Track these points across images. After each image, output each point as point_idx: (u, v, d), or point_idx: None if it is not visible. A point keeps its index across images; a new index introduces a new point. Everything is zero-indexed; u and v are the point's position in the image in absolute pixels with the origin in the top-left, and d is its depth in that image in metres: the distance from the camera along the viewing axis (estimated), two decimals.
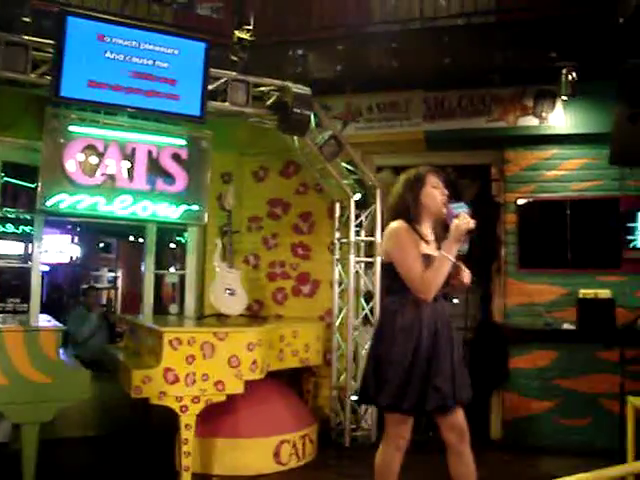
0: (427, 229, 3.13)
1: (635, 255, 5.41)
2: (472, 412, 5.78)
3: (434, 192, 3.08)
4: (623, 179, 5.48)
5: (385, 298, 3.20)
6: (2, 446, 4.86)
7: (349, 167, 5.50)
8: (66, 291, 11.61)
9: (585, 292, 5.42)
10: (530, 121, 5.52)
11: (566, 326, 5.44)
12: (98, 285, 12.15)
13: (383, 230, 5.67)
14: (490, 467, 4.96)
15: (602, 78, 4.74)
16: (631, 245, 5.41)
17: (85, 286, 9.59)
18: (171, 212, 5.01)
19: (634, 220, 5.41)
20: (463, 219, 2.88)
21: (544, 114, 5.49)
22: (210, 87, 4.70)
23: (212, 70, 4.70)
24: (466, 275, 3.08)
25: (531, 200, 5.66)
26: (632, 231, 5.42)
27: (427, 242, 3.07)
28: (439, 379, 2.93)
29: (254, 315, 5.94)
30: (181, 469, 4.22)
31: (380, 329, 3.10)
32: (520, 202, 5.67)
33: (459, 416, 3.08)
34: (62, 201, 4.70)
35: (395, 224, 3.06)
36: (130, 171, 4.87)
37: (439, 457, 3.15)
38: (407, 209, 3.07)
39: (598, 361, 5.35)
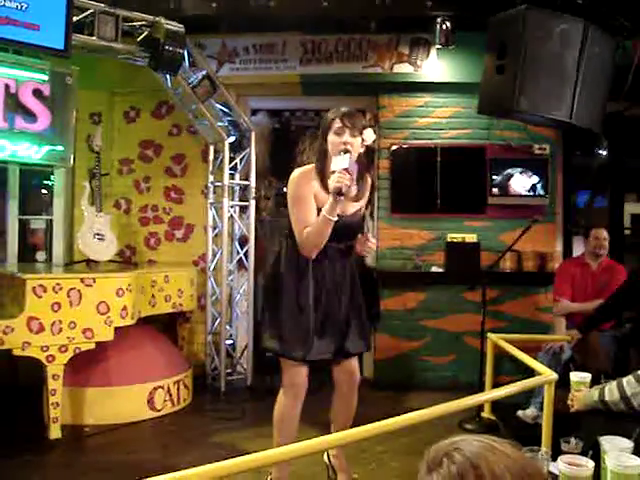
0: None
1: (498, 201, 5.69)
2: None
3: (335, 139, 2.87)
4: (490, 129, 5.71)
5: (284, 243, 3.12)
6: None
7: (223, 109, 5.36)
8: None
9: (453, 236, 5.67)
10: (405, 68, 5.58)
11: (434, 269, 5.67)
12: None
13: (257, 174, 5.66)
14: (364, 404, 5.15)
15: (476, 29, 4.84)
16: (495, 192, 5.68)
17: None
18: (33, 152, 4.70)
19: (498, 168, 5.68)
20: (337, 178, 2.71)
21: (419, 62, 5.57)
22: (75, 18, 4.37)
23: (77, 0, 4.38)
24: (370, 246, 3.04)
25: (404, 146, 5.79)
26: (495, 178, 5.69)
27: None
28: (327, 331, 3.01)
29: (126, 261, 5.77)
30: (50, 421, 4.09)
31: (272, 274, 3.10)
32: (393, 148, 5.77)
33: (351, 362, 3.20)
34: None
35: (295, 172, 2.97)
36: None
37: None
38: (317, 156, 2.97)
39: (463, 301, 5.65)
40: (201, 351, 5.78)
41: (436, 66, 5.55)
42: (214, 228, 5.71)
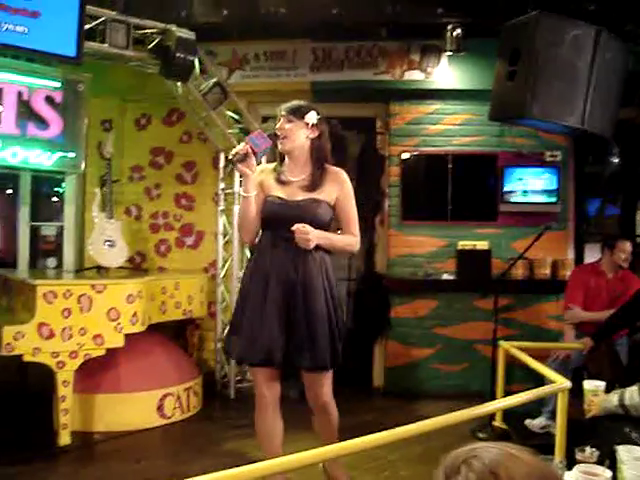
0: (297, 170, 2.97)
1: (510, 209, 5.67)
2: (356, 361, 6.00)
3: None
4: (502, 135, 5.69)
5: None
6: None
7: (234, 116, 5.36)
8: None
9: (464, 244, 5.64)
10: (416, 75, 5.57)
11: (445, 276, 5.64)
12: None
13: None
14: (374, 412, 5.16)
15: (487, 36, 4.84)
16: (506, 199, 5.66)
17: None
18: (45, 159, 4.71)
19: (509, 175, 5.65)
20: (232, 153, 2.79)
21: (429, 69, 5.56)
22: (87, 26, 4.40)
23: (89, 8, 4.39)
24: (300, 231, 2.76)
25: (414, 154, 5.77)
26: (507, 186, 5.66)
27: (283, 182, 2.94)
28: (263, 335, 2.81)
29: (136, 267, 5.77)
30: (59, 428, 4.09)
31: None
32: (404, 155, 5.76)
33: (310, 376, 2.97)
34: None
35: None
36: None
37: None
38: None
39: (474, 309, 5.61)
40: (211, 358, 5.77)
41: (447, 73, 5.54)
42: (224, 235, 5.70)
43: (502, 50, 4.13)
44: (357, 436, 2.16)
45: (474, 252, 5.63)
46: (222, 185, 5.66)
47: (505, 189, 5.65)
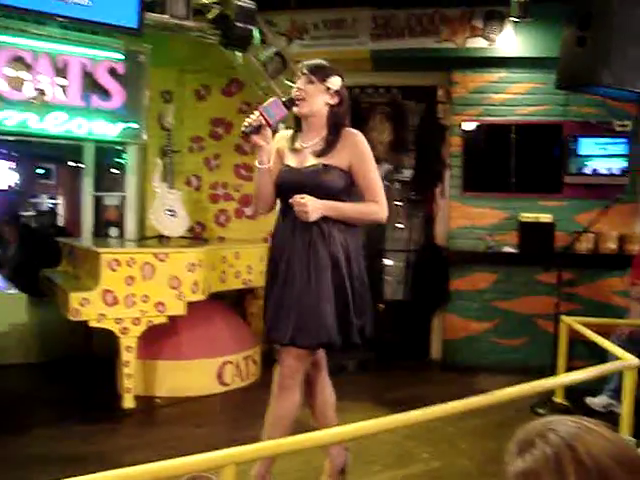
0: (311, 135, 2.73)
1: (575, 180, 5.49)
2: (414, 333, 5.98)
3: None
4: (567, 105, 5.50)
5: None
6: None
7: (293, 85, 5.32)
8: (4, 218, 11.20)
9: (526, 216, 5.50)
10: (479, 42, 5.41)
11: (507, 249, 5.53)
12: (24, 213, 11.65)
13: None
14: (431, 386, 5.14)
15: (554, 0, 4.66)
16: (572, 170, 5.48)
17: None
18: (108, 130, 4.82)
19: (575, 146, 5.46)
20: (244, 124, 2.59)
21: (493, 36, 5.39)
22: None
23: None
24: (298, 203, 2.54)
25: (477, 123, 5.64)
26: (573, 156, 5.47)
27: (296, 150, 2.74)
28: (271, 314, 2.67)
29: (196, 237, 5.85)
30: (123, 391, 4.21)
31: None
32: (465, 125, 5.63)
33: (282, 351, 2.71)
34: None
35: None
36: (63, 86, 4.62)
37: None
38: None
39: (536, 283, 5.49)
40: None
41: (511, 40, 5.36)
42: None
43: (572, 15, 3.97)
44: (414, 408, 2.14)
45: (537, 225, 5.48)
46: None
47: (570, 160, 5.47)
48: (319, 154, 2.66)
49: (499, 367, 5.44)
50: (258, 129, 2.57)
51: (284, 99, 2.65)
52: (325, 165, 2.63)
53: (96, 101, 4.75)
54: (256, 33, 4.77)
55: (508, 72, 5.61)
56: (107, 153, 6.49)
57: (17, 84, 4.48)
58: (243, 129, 2.60)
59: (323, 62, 2.73)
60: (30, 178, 12.60)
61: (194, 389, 4.56)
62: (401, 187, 6.03)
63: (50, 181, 13.35)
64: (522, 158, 5.55)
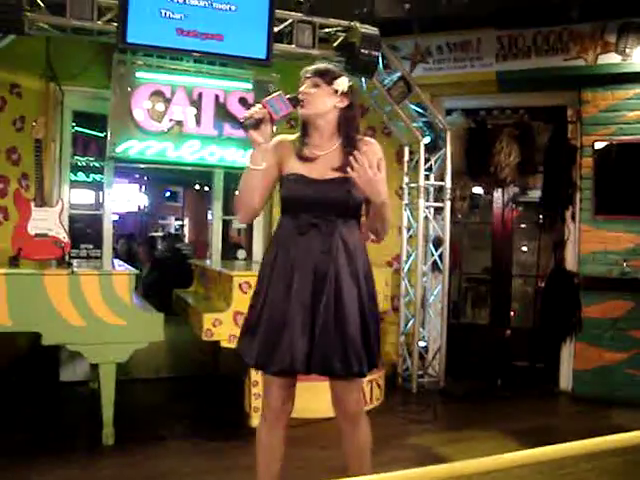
0: (322, 143, 2.48)
1: None
2: (542, 361, 5.77)
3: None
4: None
5: None
6: (81, 384, 5.11)
7: (418, 109, 5.35)
8: (135, 239, 11.92)
9: None
10: (611, 58, 5.17)
11: None
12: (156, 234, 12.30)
13: (452, 174, 5.59)
14: (561, 418, 4.93)
15: None
16: None
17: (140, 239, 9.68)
18: (239, 157, 5.03)
19: None
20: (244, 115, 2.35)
21: (628, 50, 5.13)
22: (276, 29, 4.61)
23: (277, 12, 4.60)
24: (358, 162, 2.24)
25: (610, 143, 5.38)
26: None
27: (307, 158, 2.45)
28: (285, 339, 2.35)
29: None
30: (251, 410, 4.32)
31: None
32: (598, 145, 5.39)
33: (340, 388, 2.57)
34: (131, 147, 4.77)
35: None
36: (197, 116, 4.89)
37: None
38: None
39: None
40: (393, 352, 5.80)
41: None
42: (408, 229, 5.73)
43: None
44: (545, 440, 2.05)
45: None
46: (406, 179, 5.69)
47: None
48: (338, 168, 2.40)
49: (635, 401, 5.11)
50: (259, 123, 2.33)
51: (289, 95, 2.40)
52: (347, 177, 2.32)
53: (228, 129, 4.98)
54: (380, 58, 4.84)
55: None
56: (234, 178, 6.73)
57: (157, 116, 4.79)
58: (242, 120, 2.36)
59: (328, 65, 2.58)
60: (158, 200, 13.29)
61: (320, 411, 4.59)
62: (528, 209, 5.87)
63: (177, 203, 14.03)
64: None
